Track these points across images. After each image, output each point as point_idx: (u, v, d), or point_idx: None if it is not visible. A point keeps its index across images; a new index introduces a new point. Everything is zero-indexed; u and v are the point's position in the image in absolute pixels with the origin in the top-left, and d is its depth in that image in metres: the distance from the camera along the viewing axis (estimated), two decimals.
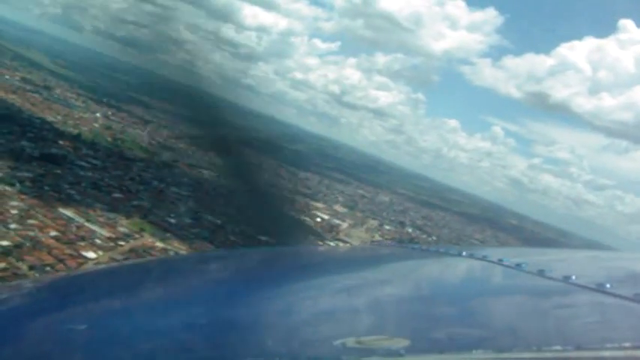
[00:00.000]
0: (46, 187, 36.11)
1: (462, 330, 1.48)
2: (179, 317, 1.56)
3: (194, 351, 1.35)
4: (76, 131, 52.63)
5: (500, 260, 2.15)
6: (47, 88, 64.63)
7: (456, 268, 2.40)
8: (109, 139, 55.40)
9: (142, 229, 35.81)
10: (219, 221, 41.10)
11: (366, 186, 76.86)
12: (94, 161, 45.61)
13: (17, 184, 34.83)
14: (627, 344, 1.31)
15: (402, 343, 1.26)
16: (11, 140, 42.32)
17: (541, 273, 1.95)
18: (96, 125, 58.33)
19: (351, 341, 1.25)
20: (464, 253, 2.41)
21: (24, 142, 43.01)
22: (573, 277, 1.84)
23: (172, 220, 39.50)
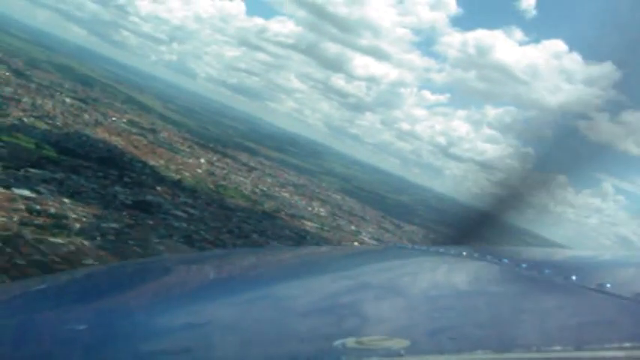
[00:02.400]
0: (131, 242, 31.99)
1: (462, 330, 1.47)
2: (179, 317, 1.56)
3: (194, 351, 1.33)
4: (177, 177, 50.49)
5: (500, 260, 2.16)
6: (153, 131, 63.79)
7: (456, 268, 2.37)
8: (211, 185, 53.10)
9: None
10: None
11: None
12: (192, 210, 41.91)
13: (98, 237, 31.03)
14: (627, 344, 1.31)
15: (402, 343, 1.26)
16: (105, 185, 39.71)
17: (541, 273, 1.95)
18: (199, 171, 56.41)
19: (351, 341, 1.25)
20: (464, 253, 2.41)
21: (117, 188, 40.25)
22: (574, 278, 1.83)
23: None
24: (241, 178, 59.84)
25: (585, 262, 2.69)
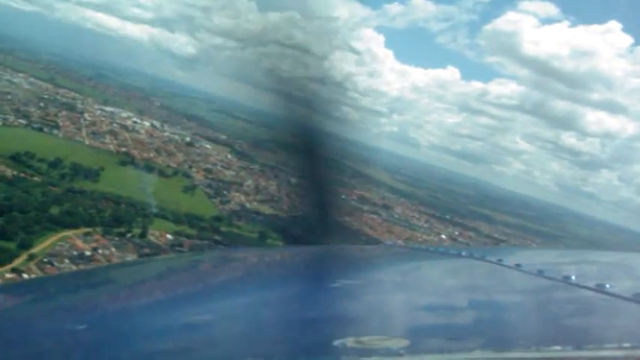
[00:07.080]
0: None
1: (462, 330, 1.47)
2: (179, 316, 1.56)
3: (194, 350, 1.34)
4: None
5: (500, 260, 2.14)
6: (386, 207, 57.36)
7: (456, 268, 2.36)
8: None
9: None
10: None
11: None
12: None
13: None
14: (627, 344, 1.30)
15: (402, 343, 1.25)
16: None
17: (540, 273, 1.93)
18: None
19: (350, 341, 1.24)
20: (464, 253, 2.41)
21: None
22: (573, 278, 1.82)
23: None
24: None
25: (584, 263, 2.62)
